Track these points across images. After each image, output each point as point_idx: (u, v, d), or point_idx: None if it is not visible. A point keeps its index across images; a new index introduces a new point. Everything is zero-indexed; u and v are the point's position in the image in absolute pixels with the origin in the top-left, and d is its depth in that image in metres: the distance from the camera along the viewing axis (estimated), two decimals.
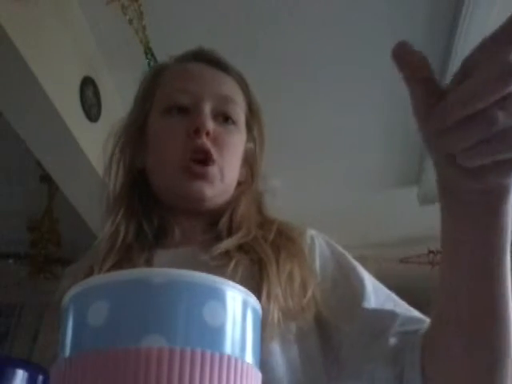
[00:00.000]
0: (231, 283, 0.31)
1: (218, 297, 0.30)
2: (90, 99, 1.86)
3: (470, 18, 1.49)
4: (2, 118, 1.66)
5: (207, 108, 0.68)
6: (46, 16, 1.61)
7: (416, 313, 0.60)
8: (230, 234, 0.67)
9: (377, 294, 0.62)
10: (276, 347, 0.56)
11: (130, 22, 1.67)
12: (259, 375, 0.32)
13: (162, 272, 0.30)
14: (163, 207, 0.70)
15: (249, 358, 0.31)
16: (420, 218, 2.50)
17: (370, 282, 0.63)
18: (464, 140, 0.35)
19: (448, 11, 1.56)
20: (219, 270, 0.57)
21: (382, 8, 1.60)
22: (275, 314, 0.56)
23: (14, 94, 1.58)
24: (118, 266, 0.61)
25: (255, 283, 0.58)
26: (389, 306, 0.60)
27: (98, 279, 0.31)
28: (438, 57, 1.69)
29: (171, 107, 0.69)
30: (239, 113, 0.72)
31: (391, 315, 0.58)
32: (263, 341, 0.51)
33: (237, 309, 0.31)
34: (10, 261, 3.32)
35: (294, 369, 0.57)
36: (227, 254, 0.62)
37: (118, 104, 2.04)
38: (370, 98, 1.96)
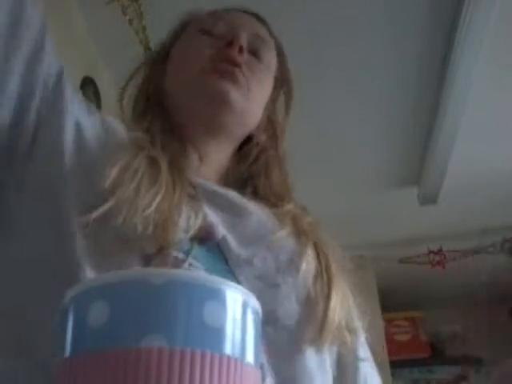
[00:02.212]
0: (231, 283, 0.31)
1: (218, 297, 0.30)
2: (90, 99, 1.86)
3: (469, 17, 1.49)
4: None
5: (243, 34, 0.63)
6: (45, 16, 1.61)
7: None
8: (255, 192, 0.64)
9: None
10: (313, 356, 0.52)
11: (130, 22, 1.67)
12: (259, 376, 0.32)
13: (162, 272, 0.30)
14: (183, 130, 0.63)
15: (249, 358, 0.31)
16: (420, 218, 2.50)
17: None
18: None
19: (448, 11, 1.56)
20: (291, 242, 0.55)
21: (382, 8, 1.60)
22: (337, 319, 0.52)
23: None
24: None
25: (322, 278, 0.55)
26: None
27: (98, 279, 0.31)
28: (438, 57, 1.69)
29: (204, 30, 0.65)
30: (271, 59, 0.68)
31: None
32: (320, 340, 0.49)
33: (237, 309, 0.31)
34: None
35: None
36: (297, 226, 0.58)
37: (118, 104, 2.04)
38: (369, 98, 1.95)
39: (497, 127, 2.02)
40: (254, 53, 0.65)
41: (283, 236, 0.55)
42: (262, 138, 0.70)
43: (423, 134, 2.08)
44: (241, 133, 0.67)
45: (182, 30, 0.70)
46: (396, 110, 1.97)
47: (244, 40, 0.62)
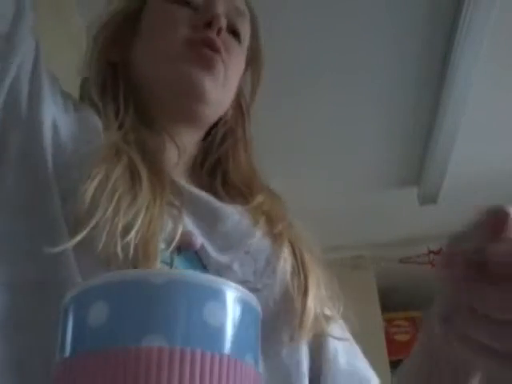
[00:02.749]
0: (231, 283, 0.31)
1: (218, 297, 0.30)
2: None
3: (469, 17, 1.49)
4: None
5: (220, 8, 0.58)
6: (45, 17, 1.61)
7: None
8: (224, 179, 0.61)
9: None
10: (304, 350, 0.53)
11: None
12: (259, 376, 0.32)
13: (163, 272, 0.30)
14: (151, 113, 0.58)
15: (249, 358, 0.31)
16: (420, 218, 2.50)
17: None
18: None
19: (448, 11, 1.56)
20: (267, 241, 0.55)
21: (382, 8, 1.60)
22: (313, 313, 0.53)
23: None
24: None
25: (299, 275, 0.55)
26: None
27: (98, 279, 0.31)
28: (438, 57, 1.69)
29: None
30: (246, 35, 0.64)
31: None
32: (300, 333, 0.49)
33: (237, 309, 0.31)
34: None
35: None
36: (271, 222, 0.57)
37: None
38: (369, 98, 1.96)
39: (497, 127, 2.02)
40: (231, 28, 0.61)
41: (259, 238, 0.55)
42: (229, 114, 0.67)
43: (423, 133, 2.08)
44: (215, 119, 0.64)
45: None
46: (396, 110, 1.97)
47: (223, 20, 0.57)
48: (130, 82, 0.60)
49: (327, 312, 0.57)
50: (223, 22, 0.58)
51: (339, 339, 0.58)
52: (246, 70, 0.67)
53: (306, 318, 0.52)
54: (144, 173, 0.49)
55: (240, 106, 0.68)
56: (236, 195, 0.61)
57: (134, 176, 0.49)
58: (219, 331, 0.29)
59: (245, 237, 0.55)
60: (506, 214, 0.31)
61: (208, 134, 0.67)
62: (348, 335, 0.61)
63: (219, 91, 0.58)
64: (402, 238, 2.78)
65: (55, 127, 0.50)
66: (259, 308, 0.34)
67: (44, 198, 0.46)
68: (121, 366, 0.27)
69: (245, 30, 0.64)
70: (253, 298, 0.33)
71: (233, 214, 0.56)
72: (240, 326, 0.31)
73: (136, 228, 0.44)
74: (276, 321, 0.52)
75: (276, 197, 0.65)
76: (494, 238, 0.31)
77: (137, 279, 0.30)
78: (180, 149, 0.59)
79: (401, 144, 2.21)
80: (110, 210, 0.44)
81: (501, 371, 0.33)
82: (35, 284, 0.43)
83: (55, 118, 0.50)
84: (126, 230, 0.43)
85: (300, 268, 0.56)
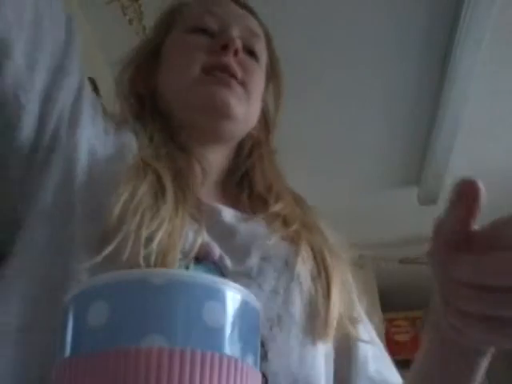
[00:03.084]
0: (231, 283, 0.31)
1: (218, 297, 0.30)
2: None
3: (469, 17, 1.49)
4: None
5: (236, 32, 0.62)
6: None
7: None
8: (251, 190, 0.63)
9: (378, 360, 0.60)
10: (322, 353, 0.53)
11: (130, 22, 1.67)
12: (259, 376, 0.32)
13: (162, 272, 0.30)
14: (180, 134, 0.61)
15: (249, 358, 0.31)
16: (420, 218, 2.50)
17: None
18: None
19: (448, 11, 1.56)
20: (285, 244, 0.55)
21: (382, 8, 1.60)
22: (336, 312, 0.53)
23: None
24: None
25: (320, 274, 0.55)
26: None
27: (98, 279, 0.31)
28: (438, 57, 1.69)
29: (196, 28, 0.63)
30: (263, 53, 0.67)
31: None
32: (324, 334, 0.49)
33: (237, 309, 0.31)
34: None
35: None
36: (288, 224, 0.58)
37: (118, 104, 2.04)
38: (370, 98, 1.95)
39: (497, 127, 2.02)
40: (248, 49, 0.64)
41: (275, 243, 0.56)
42: (256, 129, 0.69)
43: (423, 134, 2.08)
44: (242, 135, 0.67)
45: (171, 22, 0.67)
46: (396, 110, 1.97)
47: (238, 41, 0.61)
48: (159, 110, 0.63)
49: (354, 315, 0.57)
50: (239, 44, 0.60)
51: (367, 342, 0.58)
52: (267, 85, 0.70)
53: (329, 320, 0.52)
54: (169, 187, 0.51)
55: (265, 120, 0.71)
56: (260, 204, 0.63)
57: (159, 190, 0.50)
58: (219, 331, 0.29)
59: (261, 244, 0.55)
60: (471, 183, 0.33)
61: (238, 148, 0.70)
62: (377, 341, 0.61)
63: (244, 106, 0.61)
64: (402, 238, 2.78)
65: (92, 150, 0.52)
66: (259, 308, 0.34)
67: (73, 213, 0.48)
68: (121, 367, 0.27)
69: (260, 49, 0.67)
70: (253, 298, 0.33)
71: (251, 228, 0.57)
72: (240, 326, 0.31)
73: (158, 239, 0.45)
74: (304, 321, 0.52)
75: (301, 201, 0.67)
76: (468, 211, 0.34)
77: (137, 279, 0.30)
78: (205, 170, 0.61)
79: (401, 144, 2.20)
80: (135, 223, 0.45)
81: (506, 343, 0.34)
82: (60, 295, 0.44)
83: (93, 141, 0.53)
84: (149, 240, 0.45)
85: (322, 270, 0.56)
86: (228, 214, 0.58)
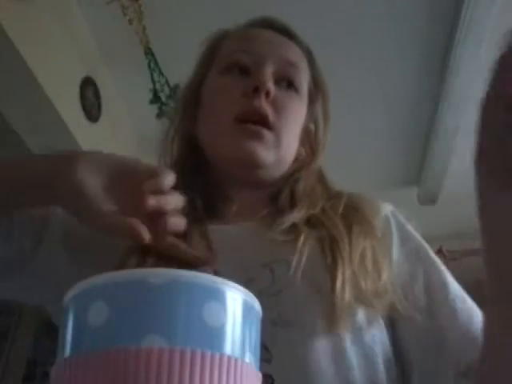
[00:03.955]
0: (231, 283, 0.31)
1: (218, 297, 0.30)
2: (90, 99, 1.86)
3: (469, 17, 1.49)
4: (1, 118, 1.66)
5: (269, 69, 0.63)
6: (46, 16, 1.61)
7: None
8: (292, 208, 0.62)
9: (460, 300, 0.57)
10: (347, 334, 0.50)
11: (130, 22, 1.67)
12: (259, 375, 0.32)
13: (162, 272, 0.30)
14: (218, 177, 0.65)
15: (249, 358, 0.31)
16: (420, 218, 2.50)
17: (453, 286, 0.59)
18: None
19: (448, 11, 1.56)
20: (288, 245, 0.54)
21: (383, 8, 1.60)
22: (347, 297, 0.51)
23: (14, 95, 1.58)
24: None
25: (326, 261, 0.54)
26: (474, 323, 0.54)
27: (97, 279, 0.31)
28: (438, 57, 1.69)
29: (231, 66, 0.65)
30: (302, 81, 0.68)
31: (476, 345, 0.51)
32: (333, 325, 0.49)
33: (237, 309, 0.31)
34: None
35: (368, 358, 0.51)
36: (295, 227, 0.57)
37: (118, 104, 2.04)
38: (370, 98, 1.96)
39: None
40: (287, 81, 0.65)
41: (275, 247, 0.55)
42: (301, 153, 0.70)
43: (423, 134, 2.08)
44: (276, 177, 0.67)
45: (210, 60, 0.69)
46: (396, 110, 1.97)
47: (269, 84, 0.62)
48: (201, 152, 0.67)
49: (377, 288, 0.53)
50: (269, 86, 0.61)
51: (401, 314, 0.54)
52: (312, 106, 0.70)
53: (336, 307, 0.50)
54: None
55: (310, 142, 0.71)
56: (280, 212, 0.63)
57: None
58: (219, 331, 0.29)
59: (260, 255, 0.55)
60: None
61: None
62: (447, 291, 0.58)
63: (273, 154, 0.62)
64: None
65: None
66: (259, 308, 0.34)
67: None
68: (121, 367, 0.27)
69: (299, 78, 0.67)
70: (253, 298, 0.33)
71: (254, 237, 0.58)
72: (240, 326, 0.31)
73: None
74: (308, 314, 0.51)
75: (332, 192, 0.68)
76: None
77: (137, 279, 0.30)
78: (237, 205, 0.63)
79: (401, 144, 2.21)
80: None
81: None
82: None
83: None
84: None
85: (327, 249, 0.55)
86: (233, 230, 0.60)
